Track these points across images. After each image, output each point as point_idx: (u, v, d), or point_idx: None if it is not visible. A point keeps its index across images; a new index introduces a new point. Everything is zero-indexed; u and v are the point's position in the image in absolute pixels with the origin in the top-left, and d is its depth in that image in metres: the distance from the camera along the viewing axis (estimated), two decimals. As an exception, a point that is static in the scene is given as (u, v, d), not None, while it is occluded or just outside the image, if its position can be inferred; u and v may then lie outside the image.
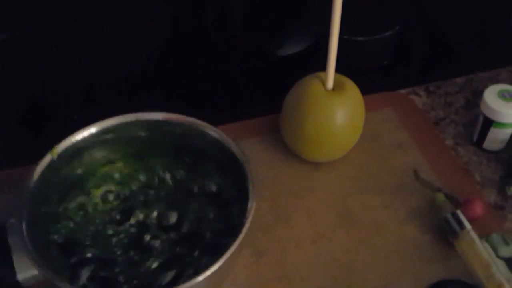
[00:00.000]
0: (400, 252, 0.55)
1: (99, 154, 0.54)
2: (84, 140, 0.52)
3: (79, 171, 0.53)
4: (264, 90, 0.73)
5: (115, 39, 0.71)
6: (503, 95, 0.61)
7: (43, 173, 0.49)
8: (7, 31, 0.67)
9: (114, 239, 0.53)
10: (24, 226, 0.45)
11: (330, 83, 0.58)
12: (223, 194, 0.54)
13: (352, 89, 0.59)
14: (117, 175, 0.55)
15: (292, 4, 0.76)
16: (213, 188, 0.54)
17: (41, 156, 0.57)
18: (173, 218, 0.54)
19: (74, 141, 0.52)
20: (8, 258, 0.44)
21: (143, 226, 0.54)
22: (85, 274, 0.50)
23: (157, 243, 0.52)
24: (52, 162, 0.50)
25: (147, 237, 0.53)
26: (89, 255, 0.51)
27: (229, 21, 0.80)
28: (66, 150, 0.51)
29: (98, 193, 0.54)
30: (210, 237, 0.52)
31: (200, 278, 0.42)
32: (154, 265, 0.51)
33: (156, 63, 0.76)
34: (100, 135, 0.53)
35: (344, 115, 0.58)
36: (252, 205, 0.47)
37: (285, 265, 0.54)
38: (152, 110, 0.55)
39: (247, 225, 0.46)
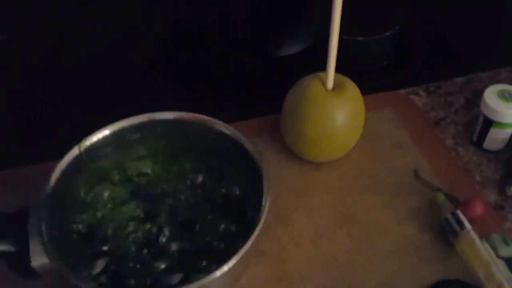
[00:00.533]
0: (400, 252, 0.55)
1: (131, 149, 0.56)
2: (114, 135, 0.54)
3: (110, 164, 0.55)
4: (264, 90, 0.73)
5: (115, 39, 0.72)
6: (503, 95, 0.61)
7: (69, 165, 0.51)
8: (7, 31, 0.67)
9: (132, 236, 0.53)
10: (45, 214, 0.47)
11: (330, 83, 0.58)
12: (241, 195, 0.54)
13: (352, 89, 0.59)
14: (149, 171, 0.57)
15: (292, 4, 0.76)
16: (236, 191, 0.55)
17: (41, 156, 0.57)
18: (192, 225, 0.54)
19: (103, 136, 0.53)
20: (25, 244, 0.45)
21: (162, 228, 0.54)
22: (99, 266, 0.50)
23: (173, 247, 0.53)
24: (79, 155, 0.52)
25: (163, 239, 0.53)
26: (105, 248, 0.52)
27: (230, 21, 0.80)
28: (95, 143, 0.53)
29: (126, 189, 0.55)
30: (222, 247, 0.52)
31: (218, 273, 0.43)
32: (162, 266, 0.51)
33: (156, 63, 0.76)
34: (130, 132, 0.54)
35: (344, 115, 0.58)
36: (267, 201, 0.48)
37: (285, 265, 0.54)
38: (154, 110, 0.55)
39: (262, 219, 0.47)
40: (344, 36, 0.58)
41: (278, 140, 0.64)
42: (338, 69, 0.58)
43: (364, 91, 0.60)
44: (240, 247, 0.44)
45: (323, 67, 0.57)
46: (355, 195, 0.60)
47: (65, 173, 0.51)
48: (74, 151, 0.52)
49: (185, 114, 0.55)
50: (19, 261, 0.45)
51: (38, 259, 0.45)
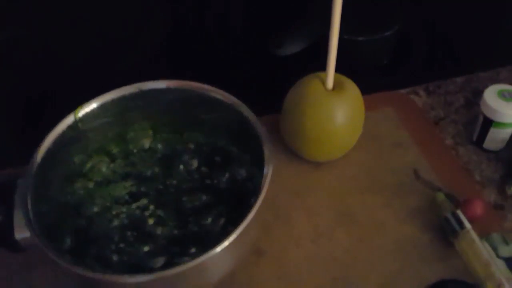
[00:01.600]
0: (400, 252, 0.55)
1: (132, 122, 0.54)
2: (111, 103, 0.52)
3: (108, 136, 0.53)
4: (264, 90, 0.73)
5: (115, 39, 0.71)
6: (503, 95, 0.61)
7: (63, 133, 0.49)
8: (8, 31, 0.67)
9: (119, 216, 0.52)
10: (32, 185, 0.45)
11: (330, 83, 0.58)
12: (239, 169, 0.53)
13: (352, 89, 0.59)
14: (148, 146, 0.55)
15: (292, 4, 0.76)
16: (239, 174, 0.53)
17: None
18: (186, 209, 0.52)
19: (98, 104, 0.51)
20: (10, 216, 0.44)
21: (148, 211, 0.52)
22: (81, 242, 0.49)
23: (158, 230, 0.51)
24: (74, 123, 0.50)
25: (151, 221, 0.51)
26: (90, 224, 0.50)
27: (229, 21, 0.80)
28: (89, 113, 0.51)
29: (123, 164, 0.54)
30: (216, 233, 0.51)
31: (218, 249, 0.41)
32: (146, 248, 0.50)
33: (156, 63, 0.76)
34: (124, 101, 0.52)
35: (344, 115, 0.58)
36: (268, 170, 0.46)
37: (285, 265, 0.54)
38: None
39: (265, 189, 0.45)
40: (344, 36, 0.58)
41: (278, 140, 0.64)
42: (338, 69, 0.58)
43: (364, 91, 0.60)
44: (239, 225, 0.43)
45: (323, 67, 0.57)
46: (355, 195, 0.60)
47: (58, 142, 0.49)
48: (69, 119, 0.50)
49: (191, 84, 0.53)
50: (3, 233, 0.44)
51: (21, 232, 0.43)
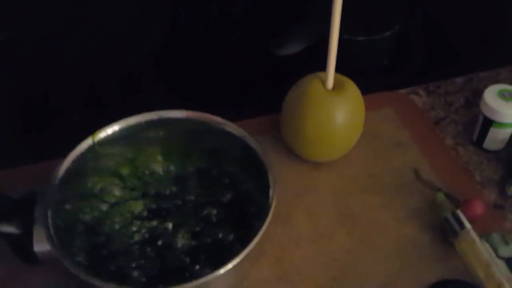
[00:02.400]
0: (400, 252, 0.55)
1: (143, 147, 0.56)
2: (128, 128, 0.54)
3: (121, 159, 0.55)
4: (264, 90, 0.73)
5: (115, 39, 0.71)
6: (503, 95, 0.61)
7: (82, 154, 0.51)
8: (7, 31, 0.67)
9: (136, 233, 0.53)
10: (52, 201, 0.47)
11: (330, 83, 0.58)
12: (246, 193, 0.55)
13: (352, 89, 0.59)
14: (160, 170, 0.57)
15: (292, 4, 0.76)
16: (243, 193, 0.55)
17: (41, 156, 0.57)
18: (190, 227, 0.54)
19: (116, 129, 0.54)
20: (30, 229, 0.46)
21: (161, 231, 0.54)
22: (100, 258, 0.51)
23: (175, 246, 0.53)
24: (92, 146, 0.52)
25: (159, 242, 0.53)
26: (108, 241, 0.52)
27: (230, 21, 0.80)
28: (107, 136, 0.53)
29: (135, 185, 0.56)
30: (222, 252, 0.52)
31: (222, 271, 0.43)
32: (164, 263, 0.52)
33: (156, 63, 0.76)
34: (144, 129, 0.55)
35: (344, 115, 0.58)
36: (273, 200, 0.48)
37: (285, 265, 0.54)
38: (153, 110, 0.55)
39: (271, 212, 0.47)
40: (344, 36, 0.58)
41: (278, 140, 0.64)
42: (338, 69, 0.58)
43: (364, 91, 0.60)
44: (243, 248, 0.44)
45: (323, 67, 0.57)
46: (355, 195, 0.60)
47: (76, 162, 0.51)
48: (87, 141, 0.52)
49: (196, 114, 0.55)
50: (22, 245, 0.46)
51: (41, 245, 0.45)
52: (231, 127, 0.54)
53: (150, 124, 0.55)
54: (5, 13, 0.65)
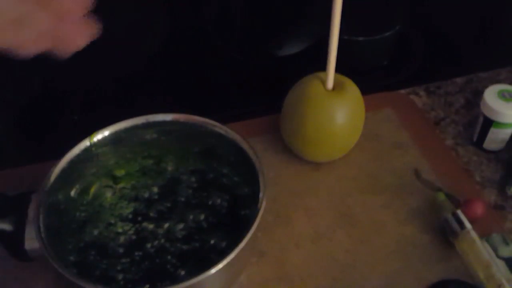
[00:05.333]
0: (400, 252, 0.55)
1: (138, 148, 0.56)
2: (125, 130, 0.54)
3: (117, 161, 0.55)
4: (264, 90, 0.73)
5: (115, 39, 0.71)
6: (503, 95, 0.61)
7: (78, 155, 0.52)
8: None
9: (125, 234, 0.54)
10: (46, 200, 0.48)
11: (330, 83, 0.58)
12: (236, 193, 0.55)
13: (352, 89, 0.59)
14: (152, 171, 0.57)
15: (292, 4, 0.76)
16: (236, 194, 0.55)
17: (41, 156, 0.57)
18: (180, 230, 0.54)
19: (113, 131, 0.54)
20: (22, 227, 0.46)
21: (150, 234, 0.54)
22: (88, 258, 0.51)
23: (152, 250, 0.53)
24: (89, 147, 0.53)
25: (148, 245, 0.53)
26: (97, 241, 0.52)
27: (229, 21, 0.80)
28: (104, 138, 0.53)
29: (129, 186, 0.56)
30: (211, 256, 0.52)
31: (213, 270, 0.43)
32: (151, 265, 0.51)
33: (156, 64, 0.76)
34: (142, 130, 0.55)
35: (344, 115, 0.58)
36: (263, 196, 0.48)
37: (285, 265, 0.54)
38: (154, 111, 0.55)
39: (260, 213, 0.47)
40: (344, 36, 0.58)
41: (278, 140, 0.64)
42: (338, 69, 0.58)
43: (364, 91, 0.60)
44: (234, 248, 0.44)
45: (323, 67, 0.57)
46: (355, 195, 0.60)
47: (72, 163, 0.51)
48: (84, 143, 0.52)
49: (185, 116, 0.55)
50: (14, 243, 0.47)
51: (31, 243, 0.46)
52: (224, 130, 0.54)
53: (146, 126, 0.55)
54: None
